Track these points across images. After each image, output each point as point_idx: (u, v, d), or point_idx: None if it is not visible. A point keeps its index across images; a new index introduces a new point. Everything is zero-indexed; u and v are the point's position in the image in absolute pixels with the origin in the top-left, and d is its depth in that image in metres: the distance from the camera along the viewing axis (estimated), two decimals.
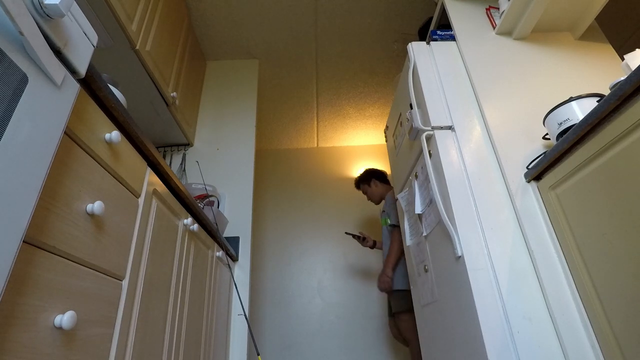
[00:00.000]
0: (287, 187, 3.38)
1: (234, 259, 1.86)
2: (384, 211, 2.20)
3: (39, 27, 0.49)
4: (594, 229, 0.94)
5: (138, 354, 0.79)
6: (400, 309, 1.93)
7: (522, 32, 1.54)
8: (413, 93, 1.51)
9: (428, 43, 1.62)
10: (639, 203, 0.80)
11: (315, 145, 3.63)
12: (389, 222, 2.10)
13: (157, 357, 0.90)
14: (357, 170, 3.50)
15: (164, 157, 2.17)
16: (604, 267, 0.91)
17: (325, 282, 2.96)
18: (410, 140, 1.58)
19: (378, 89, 2.94)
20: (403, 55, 1.72)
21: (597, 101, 1.03)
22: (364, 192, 2.43)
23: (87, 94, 0.68)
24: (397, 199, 1.85)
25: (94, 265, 0.66)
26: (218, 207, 1.85)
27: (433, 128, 1.38)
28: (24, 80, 0.46)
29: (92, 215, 0.65)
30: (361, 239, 2.36)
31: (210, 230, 1.43)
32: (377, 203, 2.40)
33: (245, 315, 1.26)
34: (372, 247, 2.38)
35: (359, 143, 3.65)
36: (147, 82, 1.63)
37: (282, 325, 2.80)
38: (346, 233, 2.46)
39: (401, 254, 1.99)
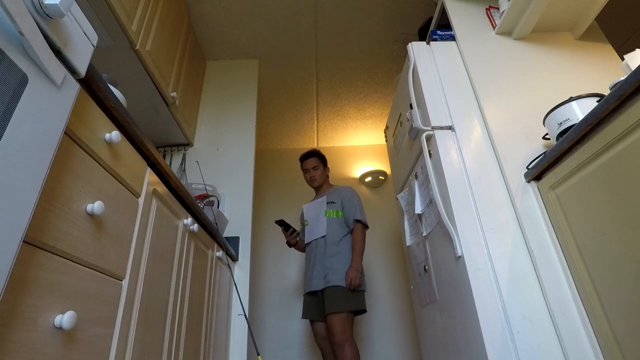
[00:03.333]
0: (287, 187, 3.38)
1: (234, 259, 1.86)
2: (332, 202, 2.04)
3: (39, 27, 0.49)
4: (594, 229, 0.94)
5: (138, 354, 0.79)
6: (338, 309, 1.75)
7: (522, 32, 1.54)
8: (413, 93, 1.51)
9: (428, 43, 1.62)
10: (639, 203, 0.80)
11: (316, 145, 3.63)
12: (340, 215, 1.99)
13: (157, 357, 0.90)
14: (357, 171, 3.50)
15: (164, 157, 2.17)
16: (604, 267, 0.91)
17: None
18: (410, 140, 1.58)
19: (378, 89, 2.94)
20: (403, 55, 1.72)
21: (597, 101, 1.03)
22: (314, 168, 2.14)
23: (87, 94, 0.68)
24: (397, 199, 1.85)
25: (94, 265, 0.66)
26: (218, 207, 1.85)
27: (433, 128, 1.38)
28: (24, 80, 0.46)
29: (92, 215, 0.65)
30: (289, 232, 2.07)
31: (210, 230, 1.43)
32: (314, 186, 2.17)
33: (245, 315, 1.26)
34: (291, 245, 2.12)
35: (358, 143, 3.65)
36: (147, 82, 1.63)
37: (282, 325, 2.80)
38: (281, 220, 2.10)
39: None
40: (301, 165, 2.22)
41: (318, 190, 2.20)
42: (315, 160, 2.17)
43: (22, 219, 0.45)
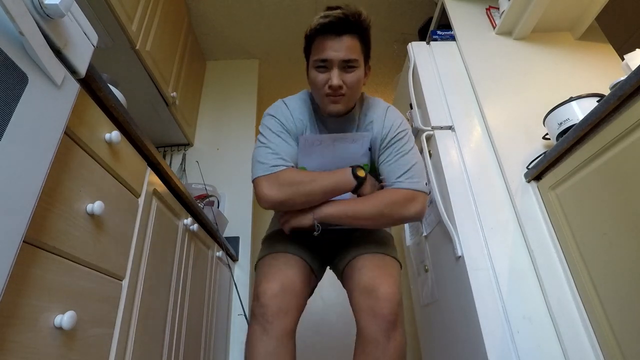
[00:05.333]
0: None
1: (234, 259, 1.86)
2: (370, 149, 0.94)
3: (39, 27, 0.49)
4: (594, 229, 0.94)
5: (138, 354, 0.79)
6: (390, 252, 0.96)
7: (522, 32, 1.54)
8: (413, 93, 1.51)
9: (428, 43, 1.62)
10: (639, 203, 0.80)
11: None
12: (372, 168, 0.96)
13: (157, 357, 0.90)
14: None
15: (164, 157, 2.17)
16: (604, 267, 0.91)
17: (326, 281, 2.96)
18: None
19: (378, 89, 2.94)
20: (403, 55, 1.72)
21: (597, 101, 1.03)
22: (350, 64, 0.85)
23: (87, 94, 0.68)
24: None
25: (94, 265, 0.66)
26: (218, 207, 1.84)
27: (433, 128, 1.38)
28: (24, 80, 0.46)
29: (92, 215, 0.65)
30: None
31: (210, 230, 1.43)
32: (338, 111, 0.89)
33: (245, 315, 1.26)
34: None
35: None
36: (147, 82, 1.63)
37: None
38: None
39: None
40: (313, 48, 0.89)
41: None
42: (356, 45, 0.86)
43: (22, 219, 0.45)
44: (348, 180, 0.84)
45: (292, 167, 0.87)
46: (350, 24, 0.83)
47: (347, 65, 0.85)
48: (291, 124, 0.94)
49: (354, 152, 0.93)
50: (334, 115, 0.91)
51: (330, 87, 0.85)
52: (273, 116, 0.94)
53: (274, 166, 0.84)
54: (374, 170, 0.96)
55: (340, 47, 0.83)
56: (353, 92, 0.88)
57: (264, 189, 0.82)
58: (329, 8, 0.85)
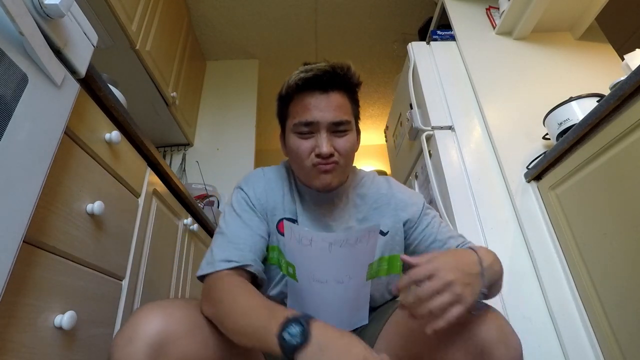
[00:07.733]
0: None
1: None
2: (384, 232, 0.74)
3: (39, 27, 0.49)
4: (594, 229, 0.94)
5: None
6: None
7: (522, 32, 1.54)
8: (413, 93, 1.51)
9: (428, 43, 1.62)
10: (639, 203, 0.80)
11: None
12: (398, 263, 0.75)
13: None
14: None
15: (164, 157, 2.16)
16: (604, 267, 0.91)
17: None
18: (410, 140, 1.58)
19: (378, 89, 2.94)
20: (403, 55, 1.72)
21: (597, 101, 1.03)
22: (339, 127, 0.69)
23: (87, 94, 0.68)
24: None
25: (94, 265, 0.66)
26: (218, 207, 1.84)
27: (433, 128, 1.38)
28: (24, 80, 0.46)
29: (92, 215, 0.65)
30: None
31: (211, 230, 1.43)
32: (329, 187, 0.70)
33: None
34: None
35: None
36: (147, 82, 1.63)
37: None
38: None
39: None
40: (290, 110, 0.74)
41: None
42: (345, 104, 0.71)
43: (22, 219, 0.45)
44: (269, 341, 0.47)
45: (249, 265, 0.63)
46: (338, 79, 0.69)
47: (337, 129, 0.68)
48: (262, 197, 0.74)
49: (359, 255, 0.68)
50: (323, 191, 0.72)
51: (318, 155, 0.67)
52: (241, 189, 0.75)
53: (222, 261, 0.61)
54: (395, 270, 0.74)
55: (328, 106, 0.68)
56: (347, 161, 0.71)
57: (202, 294, 0.59)
58: (308, 64, 0.70)
